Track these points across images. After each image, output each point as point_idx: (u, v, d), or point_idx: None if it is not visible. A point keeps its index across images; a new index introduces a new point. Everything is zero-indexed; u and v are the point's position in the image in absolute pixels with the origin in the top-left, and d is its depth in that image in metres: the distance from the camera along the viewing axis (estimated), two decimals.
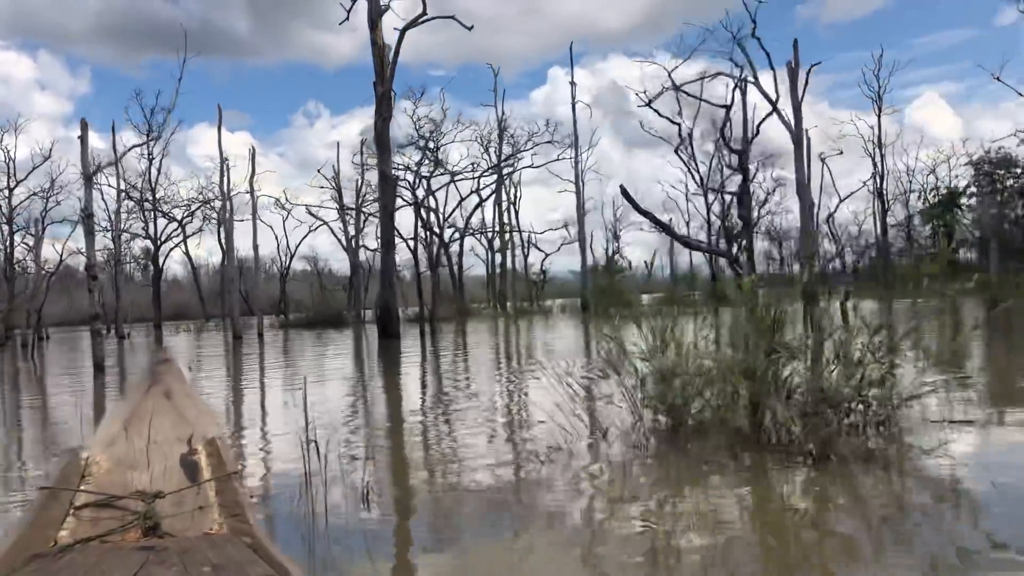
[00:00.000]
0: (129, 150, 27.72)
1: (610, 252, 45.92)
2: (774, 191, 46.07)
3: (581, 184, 40.37)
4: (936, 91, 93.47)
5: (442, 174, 33.54)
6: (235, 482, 2.77)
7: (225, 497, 2.61)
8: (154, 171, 50.37)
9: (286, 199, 42.72)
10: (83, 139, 15.07)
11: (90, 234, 15.16)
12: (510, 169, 38.93)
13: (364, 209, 38.75)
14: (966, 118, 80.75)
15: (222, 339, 29.40)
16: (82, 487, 2.69)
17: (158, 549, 2.09)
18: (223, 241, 45.23)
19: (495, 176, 39.48)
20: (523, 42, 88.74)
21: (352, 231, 39.68)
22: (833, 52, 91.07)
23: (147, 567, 1.97)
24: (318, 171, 42.53)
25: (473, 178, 28.47)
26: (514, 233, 42.92)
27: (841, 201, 43.90)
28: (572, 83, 40.15)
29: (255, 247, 30.67)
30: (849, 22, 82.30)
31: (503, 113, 40.67)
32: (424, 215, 38.38)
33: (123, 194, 46.25)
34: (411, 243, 29.49)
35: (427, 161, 26.02)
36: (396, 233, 22.79)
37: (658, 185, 69.20)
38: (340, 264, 55.12)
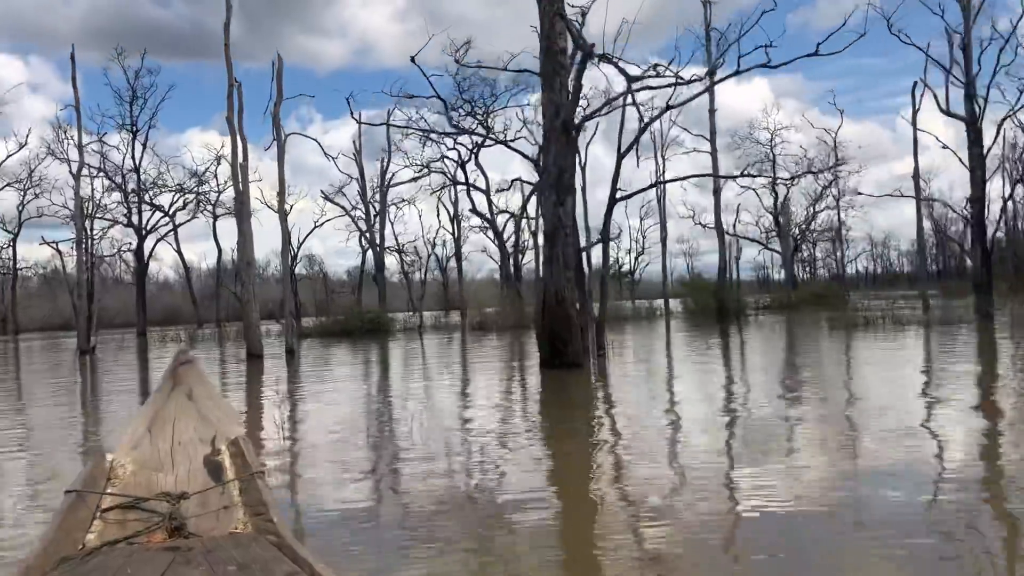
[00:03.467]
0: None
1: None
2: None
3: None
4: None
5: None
6: (259, 481, 2.66)
7: (250, 496, 2.56)
8: (138, 147, 40.42)
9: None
10: None
11: None
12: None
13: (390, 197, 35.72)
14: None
15: (221, 356, 19.35)
16: (108, 489, 2.64)
17: (184, 549, 2.07)
18: (234, 235, 36.19)
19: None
20: (517, 47, 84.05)
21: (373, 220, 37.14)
22: (830, 58, 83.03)
23: (174, 567, 1.94)
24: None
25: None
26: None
27: None
28: (708, 1, 29.82)
29: (281, 212, 20.13)
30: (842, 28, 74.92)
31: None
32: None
33: (97, 170, 36.23)
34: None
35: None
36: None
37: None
38: (337, 268, 51.66)
